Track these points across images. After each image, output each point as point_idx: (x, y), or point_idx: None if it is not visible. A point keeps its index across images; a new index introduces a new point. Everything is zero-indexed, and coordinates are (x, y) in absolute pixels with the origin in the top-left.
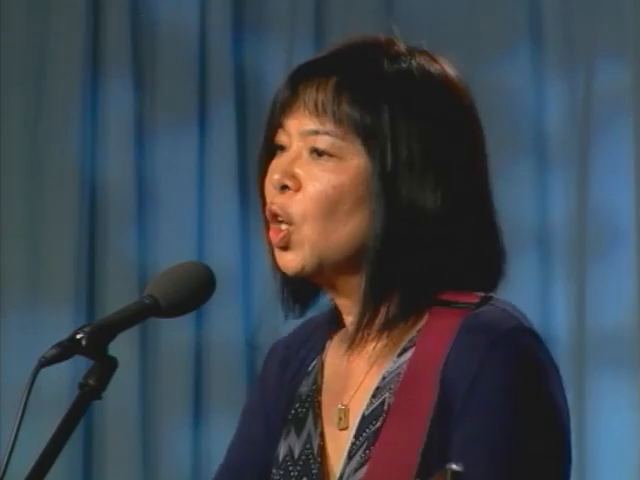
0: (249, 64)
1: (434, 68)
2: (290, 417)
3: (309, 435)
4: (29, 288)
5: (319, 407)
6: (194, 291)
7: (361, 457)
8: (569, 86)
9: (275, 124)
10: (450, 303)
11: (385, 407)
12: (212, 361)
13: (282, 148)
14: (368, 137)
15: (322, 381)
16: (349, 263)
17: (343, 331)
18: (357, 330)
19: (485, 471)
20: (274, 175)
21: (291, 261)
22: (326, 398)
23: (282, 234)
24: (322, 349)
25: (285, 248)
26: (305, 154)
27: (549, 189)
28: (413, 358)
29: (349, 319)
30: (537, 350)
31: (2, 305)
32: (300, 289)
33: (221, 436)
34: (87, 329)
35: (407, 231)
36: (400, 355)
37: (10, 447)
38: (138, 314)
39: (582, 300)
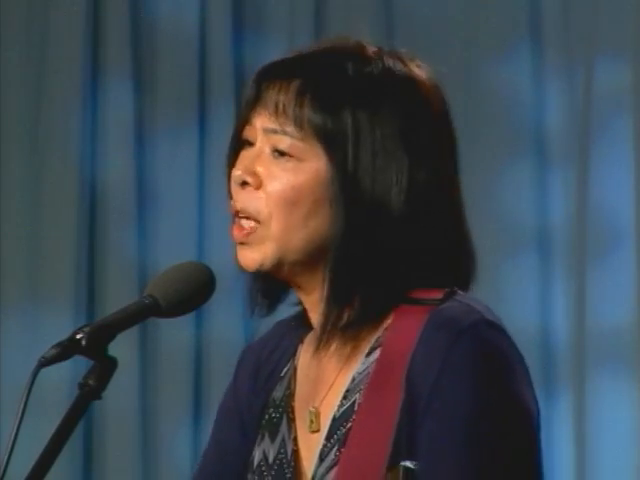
0: (249, 64)
1: (400, 70)
2: (264, 422)
3: (283, 440)
4: (29, 288)
5: (292, 412)
6: (194, 291)
7: (333, 459)
8: (569, 86)
9: (243, 119)
10: (415, 300)
11: (355, 408)
12: (212, 361)
13: (250, 143)
14: (329, 141)
15: (295, 386)
16: (310, 262)
17: (312, 333)
18: (322, 332)
19: (450, 468)
20: (236, 171)
21: (250, 257)
22: (299, 402)
23: (246, 231)
24: (294, 353)
25: (245, 244)
26: (267, 152)
27: (549, 189)
28: (380, 358)
29: (315, 317)
30: (500, 342)
31: (2, 305)
32: (269, 286)
33: None
34: (87, 329)
35: (368, 235)
36: (368, 355)
37: (10, 447)
38: (138, 314)
39: (582, 300)
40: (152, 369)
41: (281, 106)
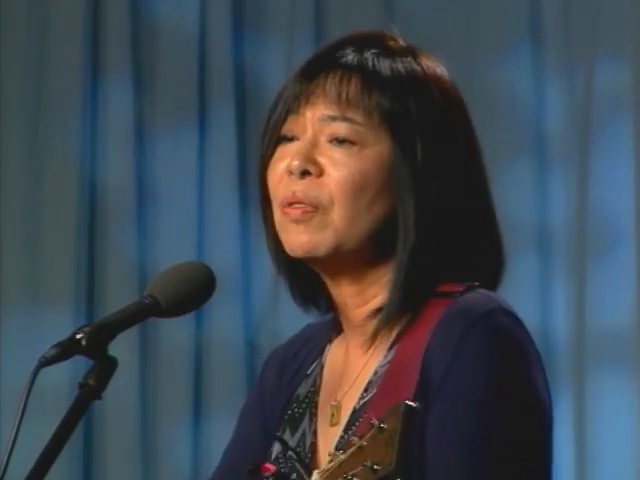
0: (249, 64)
1: (439, 68)
2: (286, 417)
3: (303, 434)
4: (29, 288)
5: (315, 407)
6: (194, 291)
7: None
8: (569, 86)
9: (283, 114)
10: (438, 293)
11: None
12: (212, 361)
13: (288, 139)
14: (398, 127)
15: (321, 383)
16: (365, 251)
17: (342, 335)
18: (387, 316)
19: (459, 452)
20: (293, 161)
21: (305, 239)
22: (322, 397)
23: (304, 209)
24: (321, 353)
25: (302, 223)
26: (323, 141)
27: (549, 189)
28: (399, 349)
29: (348, 311)
30: (516, 331)
31: (2, 305)
32: (300, 279)
33: (221, 436)
34: (87, 329)
35: (436, 222)
36: (391, 348)
37: (10, 447)
38: (138, 314)
39: (582, 300)
40: (152, 369)
41: (344, 94)
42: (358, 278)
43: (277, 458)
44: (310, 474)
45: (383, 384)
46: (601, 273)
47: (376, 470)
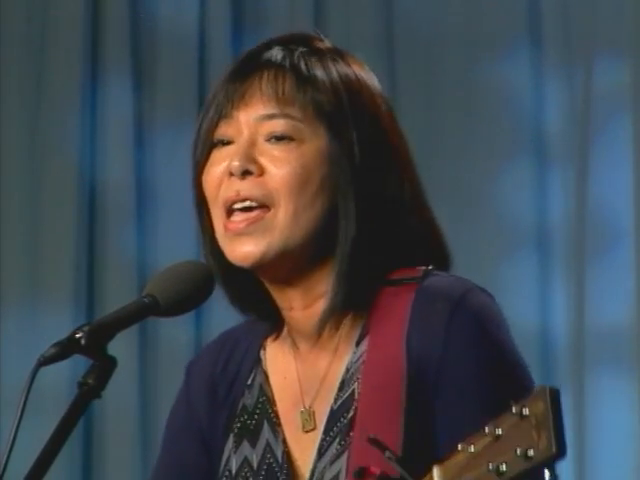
0: None
1: (366, 71)
2: (237, 430)
3: (268, 445)
4: (29, 288)
5: (277, 416)
6: (193, 290)
7: (337, 449)
8: (569, 86)
9: (216, 118)
10: (395, 281)
11: (355, 397)
12: None
13: (224, 143)
14: (333, 121)
15: (272, 392)
16: (309, 249)
17: (276, 337)
18: (330, 312)
19: (475, 421)
20: (233, 162)
21: (251, 249)
22: (283, 406)
23: (250, 220)
24: (258, 360)
25: (247, 234)
26: (261, 140)
27: (549, 189)
28: (372, 342)
29: (294, 314)
30: (493, 306)
31: (2, 305)
32: (241, 286)
33: None
34: (86, 328)
35: (378, 214)
36: (358, 344)
37: (10, 446)
38: (137, 313)
39: (582, 300)
40: (152, 369)
41: (281, 91)
42: (302, 280)
43: (241, 473)
44: None
45: (366, 379)
46: (600, 272)
47: (531, 457)
